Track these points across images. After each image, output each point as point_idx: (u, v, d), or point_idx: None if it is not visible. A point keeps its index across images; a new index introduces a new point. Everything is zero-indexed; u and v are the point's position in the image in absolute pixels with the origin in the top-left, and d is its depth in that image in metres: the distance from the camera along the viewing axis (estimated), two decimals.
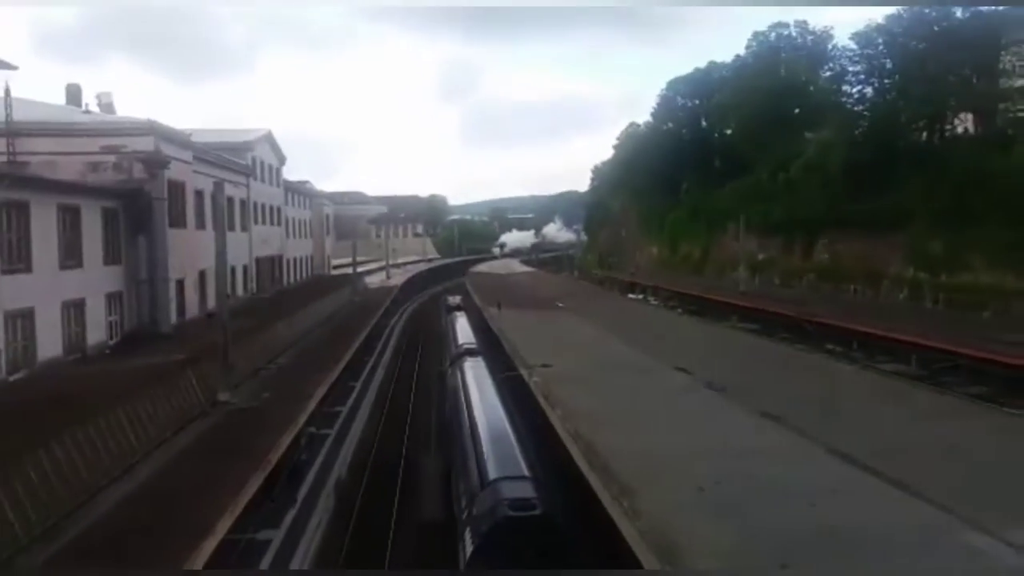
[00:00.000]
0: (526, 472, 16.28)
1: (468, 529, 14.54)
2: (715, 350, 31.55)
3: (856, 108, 58.46)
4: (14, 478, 13.15)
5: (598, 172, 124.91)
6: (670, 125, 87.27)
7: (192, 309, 36.24)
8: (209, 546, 12.73)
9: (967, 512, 12.29)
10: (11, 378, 21.39)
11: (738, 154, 71.85)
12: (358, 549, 19.86)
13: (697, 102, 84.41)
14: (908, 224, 45.60)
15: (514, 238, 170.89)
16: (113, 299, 28.97)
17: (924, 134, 52.67)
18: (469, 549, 13.71)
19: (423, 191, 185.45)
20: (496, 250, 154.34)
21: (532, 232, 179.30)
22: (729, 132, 76.70)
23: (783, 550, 11.07)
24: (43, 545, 12.71)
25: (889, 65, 52.94)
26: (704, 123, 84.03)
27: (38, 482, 13.71)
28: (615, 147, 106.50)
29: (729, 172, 73.63)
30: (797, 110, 65.08)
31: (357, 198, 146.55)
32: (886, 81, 53.71)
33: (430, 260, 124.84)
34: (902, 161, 47.86)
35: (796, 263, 57.96)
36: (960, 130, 52.43)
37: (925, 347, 28.88)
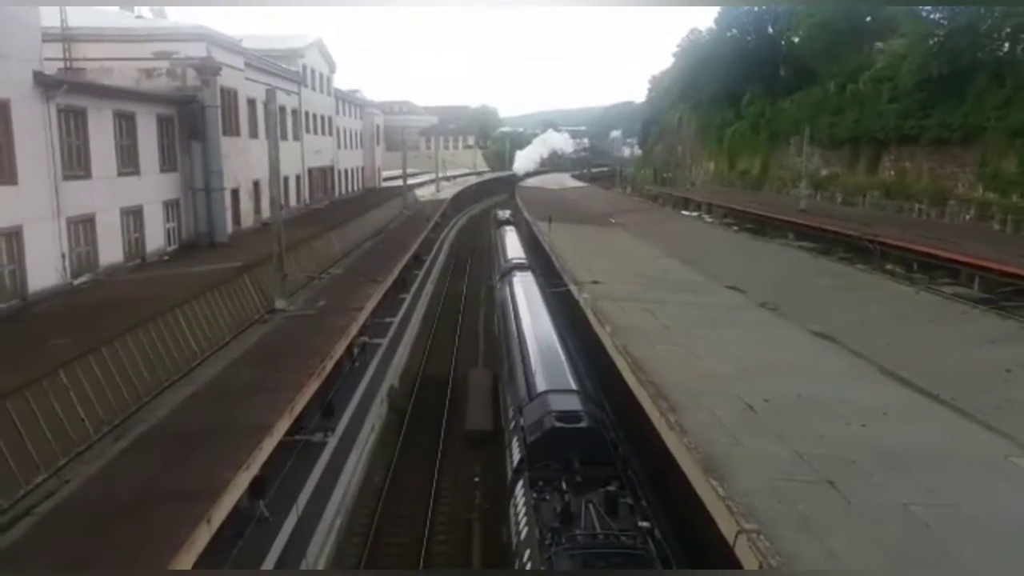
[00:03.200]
0: (574, 386, 16.44)
1: (515, 439, 14.83)
2: (771, 269, 30.97)
3: (932, 16, 54.93)
4: (83, 378, 13.76)
5: (656, 83, 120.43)
6: (734, 32, 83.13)
7: (247, 219, 36.75)
8: (268, 445, 13.22)
9: (1019, 436, 12.06)
10: (75, 282, 22.09)
11: (805, 64, 68.54)
12: (409, 454, 20.52)
13: (764, 7, 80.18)
14: (980, 141, 43.39)
15: (524, 156, 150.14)
16: (170, 207, 29.47)
17: (1006, 45, 49.38)
18: (516, 457, 14.01)
19: (473, 102, 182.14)
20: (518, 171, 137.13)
21: (540, 145, 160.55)
22: (797, 40, 73.00)
23: (830, 468, 11.03)
24: (112, 442, 13.36)
25: None
26: (771, 30, 79.98)
27: (105, 382, 14.34)
28: (675, 55, 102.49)
29: (795, 83, 70.44)
30: (869, 18, 61.45)
31: (407, 108, 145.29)
32: None
33: (480, 173, 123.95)
34: (979, 74, 45.05)
35: (860, 180, 55.89)
36: None
37: (989, 269, 27.82)
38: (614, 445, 13.87)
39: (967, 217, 42.55)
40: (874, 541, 9.13)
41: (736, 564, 9.61)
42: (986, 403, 13.49)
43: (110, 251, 24.55)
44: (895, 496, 10.22)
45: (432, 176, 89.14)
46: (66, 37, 29.93)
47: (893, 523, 9.53)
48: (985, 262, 27.96)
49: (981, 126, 42.96)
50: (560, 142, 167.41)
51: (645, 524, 10.95)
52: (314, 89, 53.33)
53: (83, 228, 23.19)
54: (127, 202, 25.97)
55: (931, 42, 49.26)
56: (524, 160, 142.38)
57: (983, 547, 8.95)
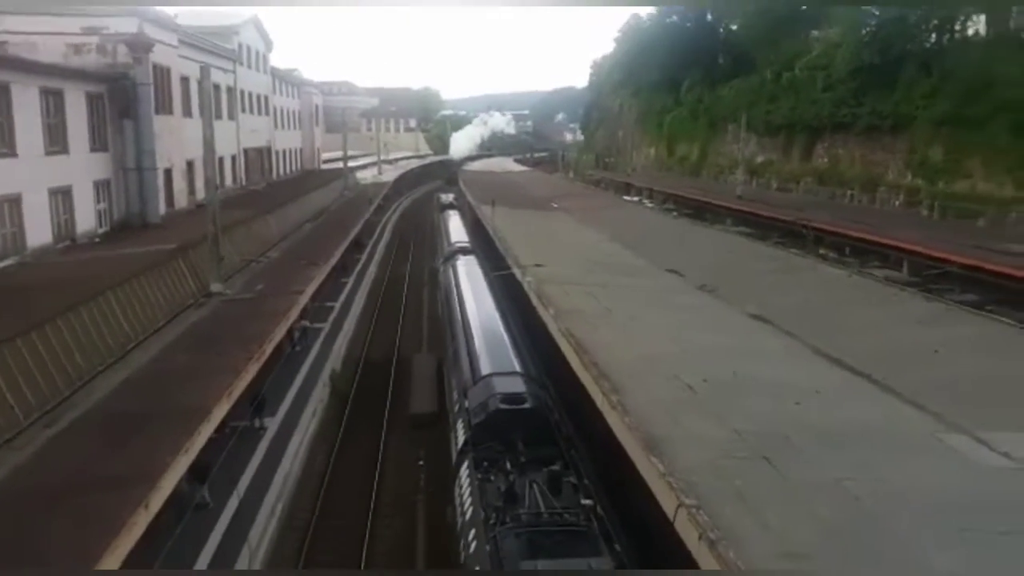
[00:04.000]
0: (518, 368, 16.55)
1: (460, 421, 14.87)
2: (709, 253, 31.59)
3: (865, 8, 56.52)
4: (11, 362, 13.25)
5: (597, 68, 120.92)
6: (674, 18, 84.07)
7: (181, 200, 35.72)
8: (207, 430, 12.97)
9: (946, 414, 12.61)
10: (1, 264, 21.25)
11: (743, 52, 69.77)
12: (352, 437, 20.39)
13: None
14: (909, 129, 44.95)
15: (463, 137, 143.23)
16: (101, 187, 28.47)
17: (933, 35, 51.12)
18: (461, 439, 14.05)
19: (416, 84, 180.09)
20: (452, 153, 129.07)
21: (480, 126, 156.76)
22: (735, 28, 74.29)
23: (766, 445, 11.37)
24: (42, 428, 12.92)
25: None
26: (709, 17, 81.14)
27: (35, 367, 13.83)
28: (616, 41, 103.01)
29: (733, 71, 71.65)
30: (804, 7, 62.84)
31: (347, 89, 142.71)
32: None
33: (423, 156, 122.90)
34: (908, 64, 46.59)
35: (794, 167, 57.35)
36: (971, 32, 50.88)
37: (917, 254, 28.95)
38: (557, 426, 14.03)
39: (896, 203, 44.07)
40: (808, 514, 9.46)
41: (676, 539, 9.85)
42: (915, 382, 14.04)
43: (38, 232, 23.63)
44: (828, 471, 10.59)
45: (373, 159, 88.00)
46: None
47: (826, 497, 9.88)
48: (913, 246, 29.06)
49: (910, 115, 44.47)
50: (502, 124, 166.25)
51: (588, 502, 11.12)
52: (250, 67, 52.04)
53: (8, 208, 22.28)
54: (56, 182, 25.01)
55: (863, 32, 50.68)
56: (461, 143, 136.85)
57: (910, 519, 9.34)
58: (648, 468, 11.03)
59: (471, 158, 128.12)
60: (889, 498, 9.85)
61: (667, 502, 10.24)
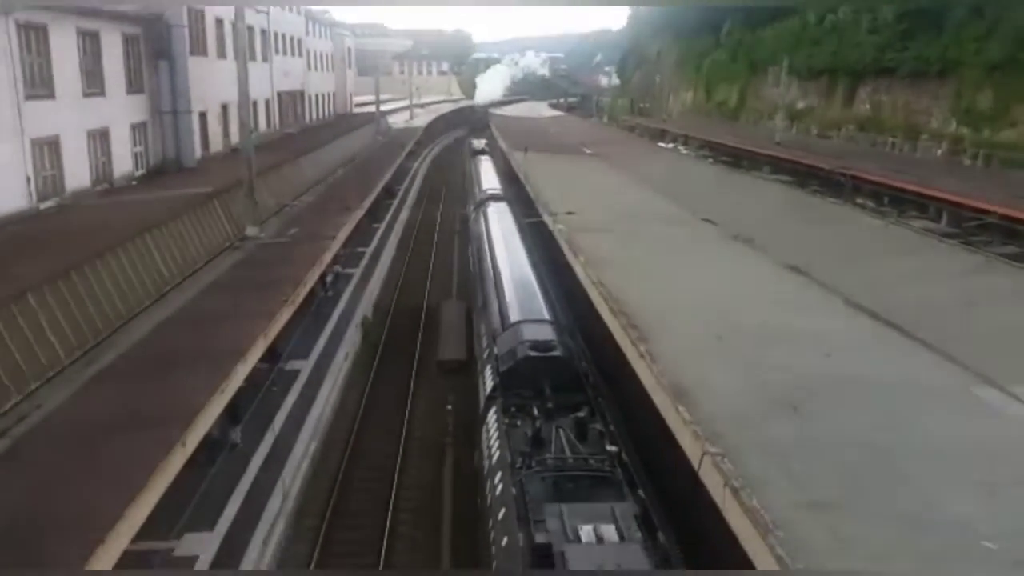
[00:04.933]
0: (547, 316, 16.63)
1: (488, 368, 15.04)
2: (744, 201, 31.12)
3: None
4: (52, 302, 13.62)
5: (636, 10, 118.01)
6: None
7: (216, 143, 35.92)
8: (242, 371, 13.28)
9: (979, 367, 12.46)
10: (41, 206, 21.63)
11: None
12: (382, 382, 20.76)
13: None
14: (957, 75, 43.35)
15: (489, 80, 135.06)
16: (137, 130, 28.68)
17: None
18: (489, 385, 14.24)
19: (448, 26, 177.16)
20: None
21: (510, 67, 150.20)
22: None
23: (793, 396, 11.36)
24: (82, 367, 13.33)
25: None
26: None
27: (75, 307, 14.21)
28: None
29: (776, 13, 69.45)
30: None
31: (379, 31, 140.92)
32: None
33: (455, 100, 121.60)
34: (959, 6, 44.79)
35: (836, 113, 55.80)
36: None
37: (957, 204, 28.23)
38: (585, 374, 14.14)
39: (939, 152, 42.83)
40: (833, 465, 9.49)
41: (699, 485, 9.97)
42: (950, 335, 13.85)
43: (77, 175, 23.95)
44: (856, 422, 10.60)
45: (405, 103, 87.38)
46: None
47: (853, 449, 9.89)
48: (954, 196, 28.31)
49: (958, 60, 42.83)
50: (535, 64, 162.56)
51: (613, 448, 11.28)
52: (282, 8, 51.55)
53: (48, 150, 22.54)
54: (93, 124, 25.22)
55: None
56: (487, 86, 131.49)
57: (941, 472, 9.32)
58: (674, 417, 11.11)
59: (500, 103, 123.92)
60: (917, 450, 9.84)
61: (692, 450, 10.33)
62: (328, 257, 22.20)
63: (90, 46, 25.40)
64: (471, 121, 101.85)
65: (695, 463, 10.15)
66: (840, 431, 10.36)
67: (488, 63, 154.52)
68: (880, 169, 35.36)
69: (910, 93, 47.59)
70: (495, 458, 11.55)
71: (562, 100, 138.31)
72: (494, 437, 12.17)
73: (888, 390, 11.70)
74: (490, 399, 13.57)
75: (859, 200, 33.36)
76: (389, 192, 41.78)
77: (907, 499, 8.75)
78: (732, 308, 15.61)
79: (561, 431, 11.72)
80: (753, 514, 8.49)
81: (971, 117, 41.52)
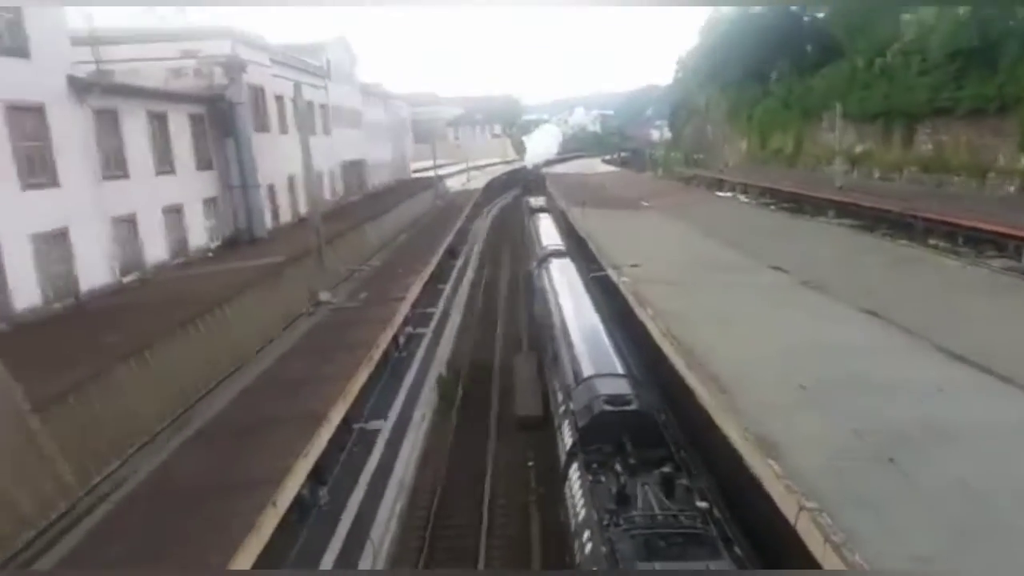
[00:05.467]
0: (620, 369, 16.45)
1: (566, 423, 14.90)
2: (812, 247, 30.61)
3: None
4: (139, 374, 14.10)
5: (682, 64, 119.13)
6: (759, 9, 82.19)
7: (284, 214, 37.17)
8: (325, 433, 13.46)
9: None
10: (124, 280, 22.57)
11: (831, 39, 67.35)
12: (461, 440, 20.72)
13: None
14: (1018, 110, 42.31)
15: (539, 139, 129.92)
16: (209, 204, 29.85)
17: None
18: (568, 441, 14.08)
19: (497, 91, 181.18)
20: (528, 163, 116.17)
21: (560, 125, 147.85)
22: (822, 15, 71.84)
23: (886, 445, 10.97)
24: (172, 433, 13.69)
25: None
26: (794, 7, 78.86)
27: (162, 378, 14.68)
28: (700, 34, 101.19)
29: (822, 59, 69.23)
30: None
31: (431, 100, 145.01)
32: None
33: (509, 162, 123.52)
34: (1012, 41, 43.94)
35: (896, 155, 54.81)
36: None
37: None
38: (666, 427, 13.87)
39: (1010, 188, 41.60)
40: (935, 515, 9.09)
41: (797, 542, 9.62)
42: None
43: (155, 249, 25.00)
44: (955, 471, 10.15)
45: (461, 166, 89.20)
46: (93, 40, 30.28)
47: (953, 498, 9.47)
48: None
49: (1018, 96, 41.92)
50: (585, 120, 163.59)
51: (703, 504, 10.96)
52: (340, 83, 53.60)
53: (126, 228, 23.64)
54: (167, 201, 26.37)
55: (959, 12, 48.14)
56: (537, 146, 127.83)
57: None
58: (765, 470, 10.81)
59: (552, 161, 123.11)
60: (1021, 497, 9.36)
61: (787, 505, 10.01)
62: (399, 318, 22.53)
63: (159, 127, 26.70)
64: (526, 181, 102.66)
65: (791, 518, 9.82)
66: (940, 480, 9.94)
67: (537, 124, 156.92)
68: (951, 209, 34.48)
69: (971, 131, 46.57)
70: (581, 516, 11.35)
71: (615, 156, 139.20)
72: (578, 495, 11.97)
73: (985, 435, 11.22)
74: (571, 455, 13.40)
75: (932, 241, 32.49)
76: (452, 253, 42.37)
77: (1015, 549, 8.30)
78: (812, 356, 15.25)
79: (647, 487, 11.46)
80: (856, 569, 8.17)
81: None
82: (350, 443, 16.13)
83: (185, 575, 9.01)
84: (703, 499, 11.17)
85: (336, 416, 14.26)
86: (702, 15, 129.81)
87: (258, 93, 35.48)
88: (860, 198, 42.21)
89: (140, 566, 9.23)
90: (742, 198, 60.58)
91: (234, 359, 17.42)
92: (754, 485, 11.16)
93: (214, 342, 16.96)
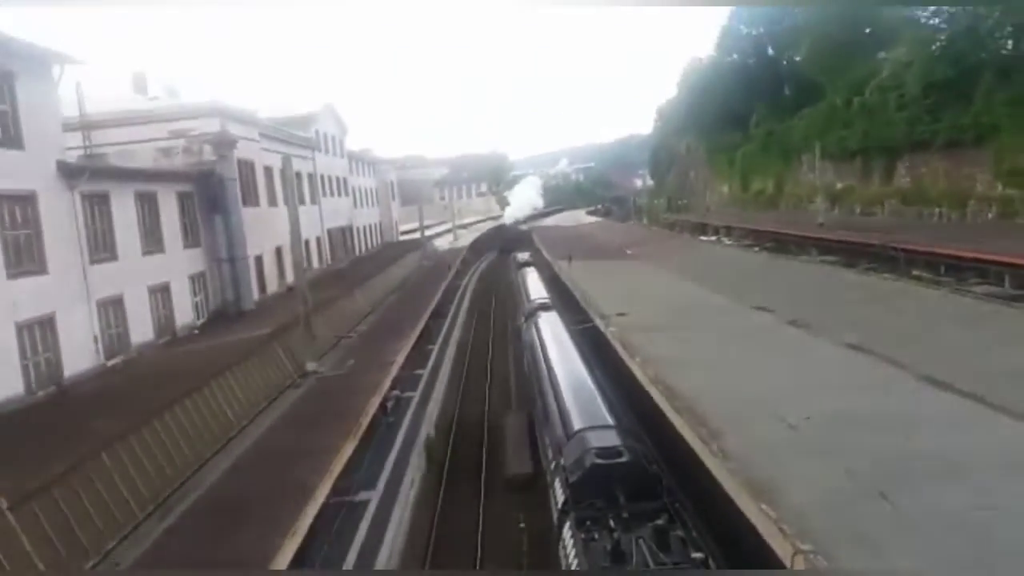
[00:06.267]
0: (610, 421, 16.31)
1: (557, 480, 14.70)
2: (796, 286, 30.78)
3: (932, 22, 55.27)
4: (124, 458, 13.91)
5: (661, 112, 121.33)
6: (735, 56, 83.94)
7: (272, 284, 37.26)
8: (312, 509, 13.23)
9: None
10: (109, 363, 22.43)
11: (809, 81, 68.89)
12: (451, 503, 20.41)
13: (762, 29, 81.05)
14: (994, 140, 43.11)
15: (519, 195, 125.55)
16: (196, 280, 29.91)
17: (1009, 43, 49.43)
18: (560, 498, 13.87)
19: (482, 148, 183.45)
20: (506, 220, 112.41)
21: (538, 180, 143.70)
22: (798, 59, 73.59)
23: (879, 481, 10.85)
24: (157, 519, 13.43)
25: None
26: (771, 51, 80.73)
27: (146, 460, 14.47)
28: (678, 84, 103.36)
29: (801, 101, 70.70)
30: (868, 30, 61.88)
31: (418, 162, 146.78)
32: None
33: (495, 218, 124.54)
34: (985, 74, 45.00)
35: (876, 190, 55.59)
36: None
37: (1018, 266, 27.43)
38: (658, 478, 13.69)
39: (989, 216, 42.12)
40: (936, 550, 8.93)
41: None
42: None
43: (140, 330, 24.91)
44: (952, 504, 10.01)
45: (448, 225, 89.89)
46: (85, 125, 30.84)
47: (953, 531, 9.32)
48: (1013, 258, 27.58)
49: (993, 125, 42.78)
50: (569, 171, 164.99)
51: (699, 555, 10.77)
52: (328, 152, 54.35)
53: (112, 309, 23.60)
54: (154, 280, 26.40)
55: (933, 47, 49.41)
56: (519, 200, 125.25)
57: None
58: (758, 515, 10.66)
59: (536, 216, 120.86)
60: (1019, 527, 9.22)
61: (782, 548, 9.85)
62: (387, 383, 22.39)
63: (148, 208, 26.89)
64: (512, 239, 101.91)
65: (786, 561, 9.65)
66: (934, 513, 9.79)
67: (521, 179, 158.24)
68: (931, 239, 34.81)
69: (949, 162, 47.37)
70: None
71: (599, 206, 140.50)
72: (572, 554, 11.75)
73: (979, 465, 11.10)
74: (563, 513, 13.17)
75: (915, 272, 32.69)
76: (440, 313, 42.33)
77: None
78: (800, 395, 15.19)
79: (641, 542, 11.26)
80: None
81: (1017, 177, 41.00)
82: (338, 517, 15.82)
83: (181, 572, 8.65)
84: (698, 550, 10.97)
85: (323, 490, 14.05)
86: (680, 65, 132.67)
87: (247, 167, 35.91)
88: (842, 234, 42.60)
89: (160, 568, 8.77)
90: (726, 241, 61.05)
91: (220, 436, 17.22)
92: (749, 529, 10.99)
93: (199, 421, 16.79)
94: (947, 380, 15.04)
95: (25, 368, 18.87)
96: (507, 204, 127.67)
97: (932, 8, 54.91)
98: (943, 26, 52.24)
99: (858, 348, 18.41)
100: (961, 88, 45.52)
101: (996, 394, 13.83)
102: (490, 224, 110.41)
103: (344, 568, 13.09)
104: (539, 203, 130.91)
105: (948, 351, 17.49)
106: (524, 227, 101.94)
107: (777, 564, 9.85)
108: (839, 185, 60.52)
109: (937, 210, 46.93)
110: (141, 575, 8.87)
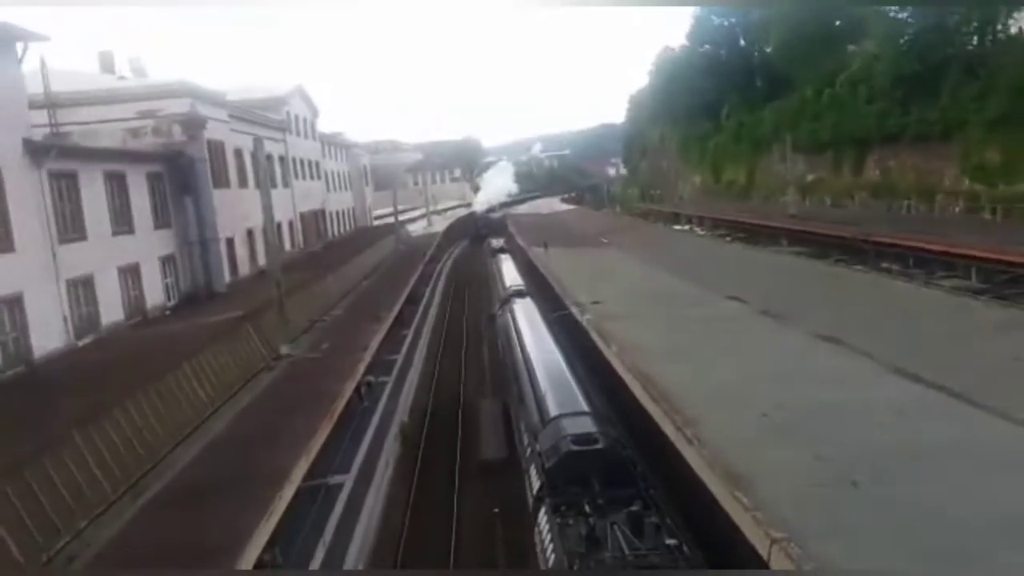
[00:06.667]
0: (585, 408, 16.43)
1: (533, 466, 14.79)
2: (767, 276, 31.14)
3: (900, 16, 56.01)
4: (97, 440, 13.72)
5: (634, 102, 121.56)
6: (707, 47, 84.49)
7: (243, 267, 36.87)
8: (288, 492, 13.18)
9: None
10: (79, 343, 22.11)
11: (780, 72, 69.61)
12: (425, 487, 20.47)
13: (734, 20, 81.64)
14: (961, 134, 43.94)
15: (491, 180, 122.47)
16: (167, 262, 29.52)
17: (975, 38, 50.24)
18: (536, 484, 13.97)
19: (456, 134, 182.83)
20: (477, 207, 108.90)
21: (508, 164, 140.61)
22: (769, 50, 74.21)
23: (852, 469, 11.05)
24: (130, 500, 13.29)
25: None
26: (743, 42, 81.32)
27: (120, 442, 14.29)
28: (650, 73, 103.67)
29: (772, 92, 71.46)
30: (838, 22, 62.59)
31: (392, 147, 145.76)
32: None
33: (469, 205, 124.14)
34: (952, 69, 45.80)
35: (846, 182, 56.44)
36: (1014, 30, 49.85)
37: (985, 260, 28.08)
38: (633, 464, 13.83)
39: (956, 210, 42.95)
40: (906, 540, 9.13)
41: (769, 573, 9.59)
42: (1000, 393, 13.53)
43: (111, 310, 24.57)
44: (921, 493, 10.23)
45: (422, 211, 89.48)
46: (51, 103, 30.16)
47: (925, 522, 9.53)
48: (980, 252, 28.22)
49: (960, 119, 43.57)
50: (542, 157, 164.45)
51: (672, 541, 10.91)
52: (299, 135, 53.72)
53: (82, 289, 23.24)
54: (124, 261, 26.04)
55: (901, 41, 50.05)
56: (488, 187, 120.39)
57: (1017, 542, 8.90)
58: (732, 503, 10.81)
59: (507, 204, 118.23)
60: (991, 518, 9.45)
61: (756, 537, 10.00)
62: (362, 368, 22.31)
63: (117, 188, 26.47)
64: (484, 226, 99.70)
65: (761, 550, 9.80)
66: (907, 503, 10.00)
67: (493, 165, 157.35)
68: (901, 232, 35.44)
69: (918, 156, 48.22)
70: (551, 562, 11.22)
71: (573, 194, 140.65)
72: (547, 540, 11.84)
73: (949, 456, 11.36)
74: (538, 499, 13.27)
75: (884, 265, 33.29)
76: (414, 298, 42.21)
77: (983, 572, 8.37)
78: (773, 383, 15.41)
79: (616, 527, 11.39)
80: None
81: (983, 173, 41.86)
82: (315, 500, 15.80)
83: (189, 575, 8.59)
84: (672, 536, 11.12)
85: (298, 473, 13.99)
86: (652, 55, 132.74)
87: (217, 148, 35.41)
88: (813, 226, 43.24)
89: (145, 566, 8.67)
90: (698, 231, 61.60)
91: (193, 418, 17.05)
92: (723, 517, 11.15)
93: (172, 403, 16.59)
94: (917, 372, 15.35)
95: None
96: (479, 189, 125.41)
97: (901, 2, 55.60)
98: (911, 20, 52.89)
99: (828, 339, 18.70)
100: (929, 83, 46.30)
101: (965, 386, 14.13)
102: (463, 211, 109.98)
103: (345, 569, 13.05)
104: (512, 189, 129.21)
105: (918, 343, 17.86)
106: (496, 215, 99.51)
107: (752, 553, 9.99)
108: (810, 177, 61.30)
109: (906, 203, 47.78)
110: (122, 575, 8.79)
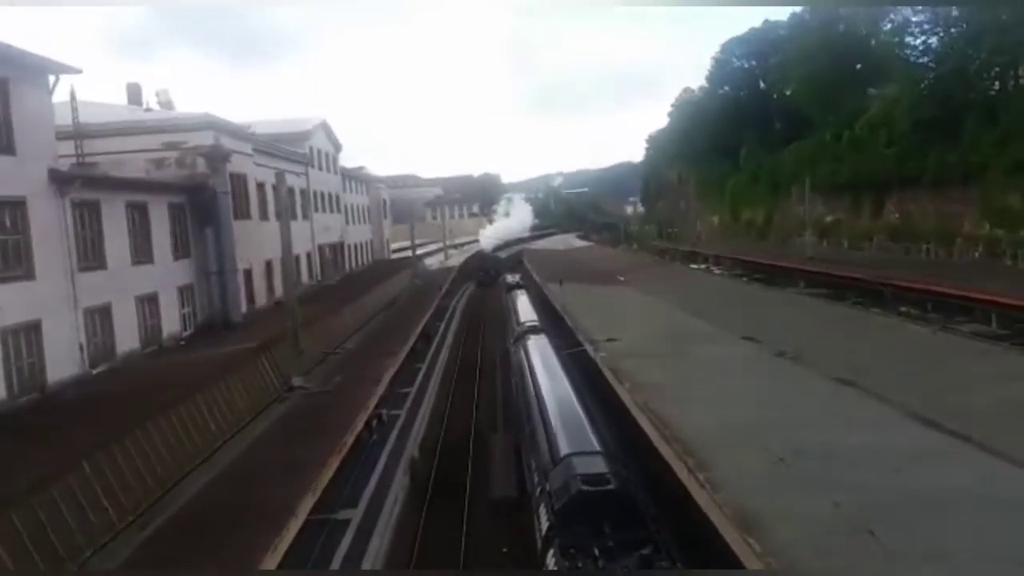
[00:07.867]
0: (597, 447, 16.22)
1: (542, 505, 14.58)
2: (784, 318, 30.88)
3: (921, 60, 56.19)
4: (106, 468, 13.71)
5: (653, 141, 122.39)
6: (726, 88, 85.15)
7: (260, 298, 37.08)
8: (294, 526, 13.07)
9: None
10: (94, 371, 22.21)
11: (799, 115, 69.85)
12: (434, 525, 20.20)
13: (754, 63, 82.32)
14: (981, 179, 43.71)
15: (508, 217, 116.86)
16: (185, 292, 29.73)
17: (996, 83, 50.26)
18: (545, 525, 13.75)
19: (475, 169, 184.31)
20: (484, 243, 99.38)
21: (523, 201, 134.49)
22: (789, 93, 74.55)
23: (867, 517, 10.81)
24: (136, 530, 13.23)
25: (955, 13, 50.57)
26: (762, 84, 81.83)
27: (128, 471, 14.27)
28: (669, 114, 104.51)
29: (791, 134, 71.65)
30: (859, 66, 62.83)
31: (411, 181, 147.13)
32: (952, 30, 51.32)
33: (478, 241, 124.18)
34: (973, 113, 45.74)
35: (865, 225, 56.17)
36: None
37: (1005, 305, 27.71)
38: (645, 507, 13.60)
39: (976, 255, 42.55)
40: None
41: None
42: (1021, 442, 13.24)
43: (127, 339, 24.70)
44: (940, 543, 9.98)
45: (439, 245, 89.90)
46: (78, 134, 30.71)
47: (939, 571, 9.28)
48: (1001, 298, 27.86)
49: (981, 164, 43.37)
50: (561, 189, 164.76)
51: None
52: (321, 169, 54.38)
53: (99, 317, 23.40)
54: (142, 290, 26.22)
55: (922, 85, 50.12)
56: (500, 225, 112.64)
57: None
58: (744, 549, 10.58)
59: (523, 239, 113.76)
60: (1008, 565, 9.20)
61: None
62: (373, 402, 22.25)
63: (139, 218, 26.77)
64: (496, 266, 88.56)
65: None
66: (924, 552, 9.75)
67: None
68: (920, 276, 35.14)
69: (937, 200, 47.97)
70: None
71: (591, 231, 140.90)
72: None
73: (967, 505, 11.09)
74: (547, 540, 13.04)
75: (903, 309, 32.95)
76: (428, 334, 42.20)
77: None
78: (789, 428, 15.17)
79: (626, 572, 11.16)
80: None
81: (1004, 218, 41.53)
82: (320, 535, 15.64)
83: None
84: None
85: (304, 508, 13.88)
86: (670, 97, 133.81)
87: (240, 181, 35.85)
88: (830, 268, 42.99)
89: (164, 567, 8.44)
90: (715, 270, 61.40)
91: (203, 449, 17.03)
92: (736, 562, 10.91)
93: (182, 434, 16.59)
94: (935, 418, 15.08)
95: (8, 373, 18.64)
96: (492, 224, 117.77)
97: (921, 46, 55.78)
98: (932, 64, 53.05)
99: (846, 382, 18.44)
100: (949, 127, 46.21)
101: (984, 433, 13.85)
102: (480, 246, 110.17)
103: (349, 569, 12.89)
104: (527, 223, 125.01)
105: (936, 389, 17.54)
106: (505, 255, 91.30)
107: None
108: (828, 218, 61.10)
109: (925, 247, 47.40)
110: (137, 575, 8.73)
